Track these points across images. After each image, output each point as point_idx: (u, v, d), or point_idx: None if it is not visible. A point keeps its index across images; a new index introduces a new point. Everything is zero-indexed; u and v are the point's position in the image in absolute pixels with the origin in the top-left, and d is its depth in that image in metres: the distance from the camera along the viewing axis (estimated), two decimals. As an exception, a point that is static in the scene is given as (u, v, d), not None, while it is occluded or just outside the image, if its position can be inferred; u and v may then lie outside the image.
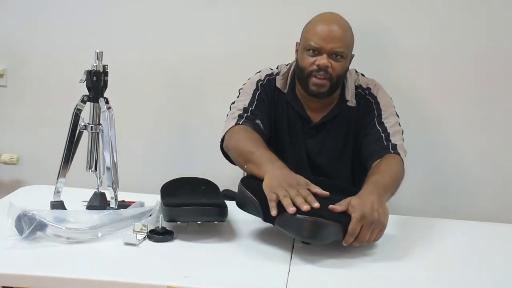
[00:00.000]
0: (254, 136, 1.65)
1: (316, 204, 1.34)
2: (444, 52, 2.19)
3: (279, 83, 1.84)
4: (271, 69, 1.88)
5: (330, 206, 1.37)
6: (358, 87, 1.84)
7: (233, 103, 1.81)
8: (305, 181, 1.43)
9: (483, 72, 2.19)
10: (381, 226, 1.38)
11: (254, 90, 1.81)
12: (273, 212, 1.36)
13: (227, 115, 1.78)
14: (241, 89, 1.85)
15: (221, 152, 1.75)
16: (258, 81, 1.84)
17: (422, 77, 2.22)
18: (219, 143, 1.74)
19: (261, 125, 1.73)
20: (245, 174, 1.64)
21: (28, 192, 1.82)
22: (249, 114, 1.74)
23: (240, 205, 1.49)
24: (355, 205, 1.37)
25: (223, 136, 1.72)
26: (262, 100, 1.80)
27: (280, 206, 1.36)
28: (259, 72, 1.88)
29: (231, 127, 1.70)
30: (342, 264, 1.35)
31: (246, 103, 1.78)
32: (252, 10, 2.25)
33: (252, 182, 1.47)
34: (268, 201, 1.38)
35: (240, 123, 1.70)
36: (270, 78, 1.85)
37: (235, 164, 1.67)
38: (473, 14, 2.16)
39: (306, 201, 1.35)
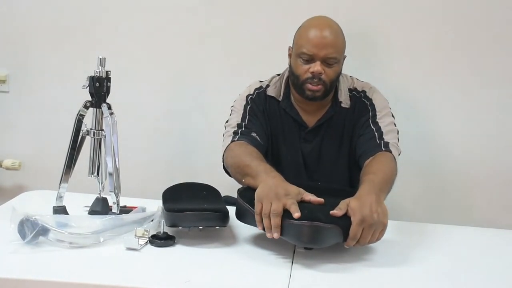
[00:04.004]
0: (250, 150, 1.66)
1: (297, 214, 1.34)
2: (441, 52, 2.19)
3: (272, 92, 1.85)
4: (261, 82, 1.90)
5: (332, 212, 1.38)
6: (353, 90, 1.86)
7: (226, 121, 1.83)
8: (296, 191, 1.43)
9: (482, 72, 2.19)
10: (382, 226, 1.38)
11: (245, 105, 1.83)
12: (260, 227, 1.39)
13: (223, 135, 1.79)
14: (232, 106, 1.86)
15: (222, 158, 1.76)
16: (247, 96, 1.85)
17: (419, 78, 2.22)
18: (222, 164, 1.75)
19: (257, 137, 1.74)
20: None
21: (30, 197, 1.82)
22: (243, 129, 1.76)
23: (239, 217, 1.50)
24: (354, 208, 1.37)
25: (223, 156, 1.74)
26: (254, 113, 1.82)
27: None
28: (248, 86, 1.89)
29: (227, 145, 1.72)
30: (343, 269, 1.36)
31: (239, 119, 1.79)
32: (252, 13, 2.26)
33: (248, 194, 1.48)
34: (254, 214, 1.40)
35: (236, 139, 1.72)
36: (260, 91, 1.86)
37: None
38: (470, 12, 2.16)
39: (290, 209, 1.35)
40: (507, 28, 2.15)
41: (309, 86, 1.74)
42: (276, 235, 1.35)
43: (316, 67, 1.72)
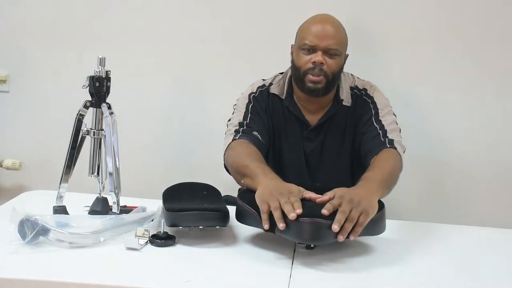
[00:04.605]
0: (250, 150, 1.66)
1: (299, 210, 1.33)
2: (444, 50, 2.19)
3: (275, 89, 1.86)
4: (263, 80, 1.90)
5: (318, 200, 1.38)
6: (354, 88, 1.86)
7: (229, 120, 1.83)
8: (297, 189, 1.43)
9: (485, 71, 2.19)
10: (361, 209, 1.35)
11: (247, 104, 1.83)
12: (266, 226, 1.37)
13: (225, 133, 1.79)
14: (235, 105, 1.87)
15: (222, 158, 1.76)
16: (250, 94, 1.86)
17: (419, 77, 2.22)
18: (223, 163, 1.75)
19: (259, 136, 1.75)
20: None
21: (30, 197, 1.82)
22: (245, 128, 1.76)
23: (240, 219, 1.50)
24: (337, 191, 1.39)
25: (224, 155, 1.74)
26: (256, 112, 1.82)
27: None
28: (251, 85, 1.90)
29: (229, 144, 1.72)
30: (343, 268, 1.35)
31: (241, 118, 1.79)
32: (254, 13, 2.26)
33: (248, 195, 1.48)
34: (260, 213, 1.39)
35: (237, 138, 1.72)
36: (262, 90, 1.87)
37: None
38: (473, 8, 2.16)
39: (293, 206, 1.35)
40: (510, 25, 2.15)
41: (310, 77, 1.74)
42: (292, 215, 1.31)
43: (318, 57, 1.73)
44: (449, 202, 2.28)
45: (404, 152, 1.73)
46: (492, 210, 2.24)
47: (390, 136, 1.72)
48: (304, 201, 1.40)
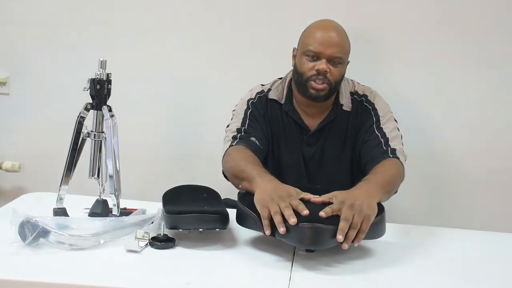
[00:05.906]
0: (246, 154, 1.67)
1: (306, 212, 1.34)
2: (441, 53, 2.20)
3: (274, 95, 1.86)
4: (262, 86, 1.90)
5: (312, 200, 1.39)
6: (354, 94, 1.86)
7: (227, 126, 1.83)
8: (296, 191, 1.44)
9: (485, 73, 2.19)
10: (363, 215, 1.36)
11: (246, 110, 1.83)
12: (267, 232, 1.38)
13: (223, 139, 1.80)
14: (233, 110, 1.87)
15: (221, 163, 1.76)
16: (248, 100, 1.86)
17: (419, 80, 2.22)
18: (222, 168, 1.75)
19: (257, 141, 1.75)
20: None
21: (31, 199, 1.82)
22: (242, 133, 1.76)
23: (240, 222, 1.50)
24: (337, 194, 1.40)
25: (222, 161, 1.74)
26: (255, 118, 1.82)
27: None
28: (250, 91, 1.90)
29: (226, 150, 1.72)
30: (343, 271, 1.36)
31: (239, 124, 1.79)
32: (254, 18, 2.26)
33: (248, 198, 1.48)
34: (261, 218, 1.39)
35: (234, 144, 1.72)
36: (261, 96, 1.87)
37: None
38: (473, 15, 2.17)
39: (297, 209, 1.35)
40: (509, 27, 2.16)
41: (313, 84, 1.74)
42: (293, 221, 1.32)
43: (322, 65, 1.73)
44: (449, 205, 2.27)
45: (405, 160, 1.73)
46: (492, 214, 2.24)
47: (392, 144, 1.72)
48: (304, 204, 1.40)
